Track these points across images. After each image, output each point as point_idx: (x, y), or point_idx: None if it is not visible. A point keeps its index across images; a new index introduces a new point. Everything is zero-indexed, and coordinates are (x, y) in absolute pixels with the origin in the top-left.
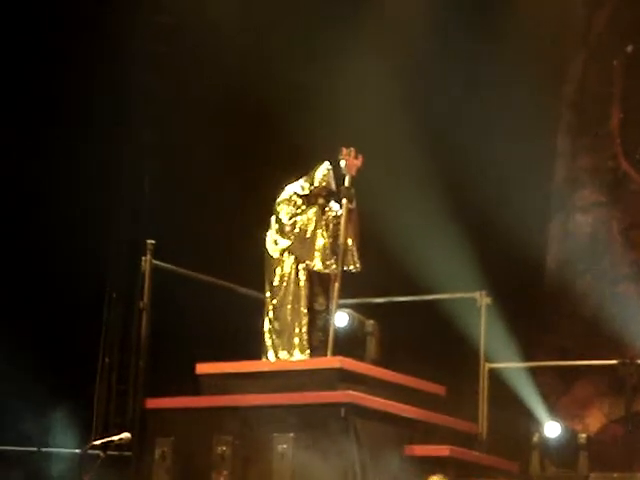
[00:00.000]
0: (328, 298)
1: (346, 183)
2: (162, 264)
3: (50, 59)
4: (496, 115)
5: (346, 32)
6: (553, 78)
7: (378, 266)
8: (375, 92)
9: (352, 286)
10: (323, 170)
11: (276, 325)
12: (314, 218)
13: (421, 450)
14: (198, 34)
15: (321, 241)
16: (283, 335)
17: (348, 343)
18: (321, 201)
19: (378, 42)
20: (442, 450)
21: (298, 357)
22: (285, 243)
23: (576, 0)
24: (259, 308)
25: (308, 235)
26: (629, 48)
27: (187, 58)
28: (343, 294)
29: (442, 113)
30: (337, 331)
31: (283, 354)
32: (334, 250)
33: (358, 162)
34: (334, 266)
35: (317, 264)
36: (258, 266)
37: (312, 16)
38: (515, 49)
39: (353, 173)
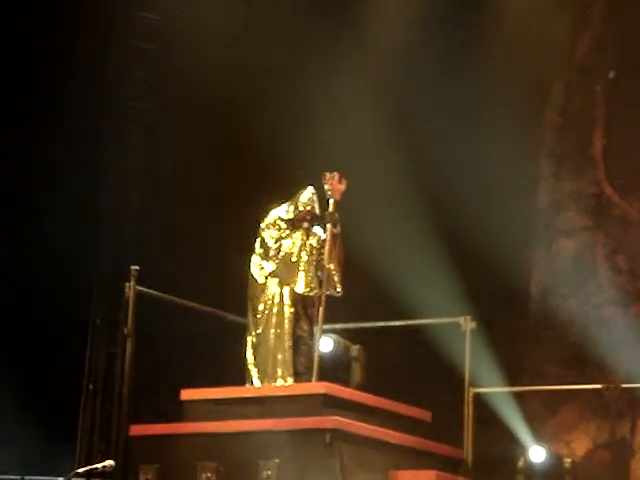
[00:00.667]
0: (311, 323)
1: (330, 208)
2: (146, 290)
3: (27, 75)
4: (480, 140)
5: (329, 51)
6: (537, 102)
7: (363, 291)
8: (361, 118)
9: (337, 311)
10: (307, 194)
11: (260, 350)
12: (299, 242)
13: (407, 476)
14: (179, 51)
15: (305, 265)
16: (267, 361)
17: (333, 368)
18: (305, 225)
19: (360, 64)
20: (428, 475)
21: (282, 383)
22: (270, 267)
23: (560, 26)
24: (243, 333)
25: (293, 259)
26: (611, 74)
27: (166, 80)
28: (328, 319)
29: (426, 139)
30: (322, 356)
31: (267, 380)
32: (317, 274)
33: (342, 187)
34: (316, 289)
35: (300, 287)
36: (241, 291)
37: (293, 33)
38: (499, 73)
39: (337, 197)
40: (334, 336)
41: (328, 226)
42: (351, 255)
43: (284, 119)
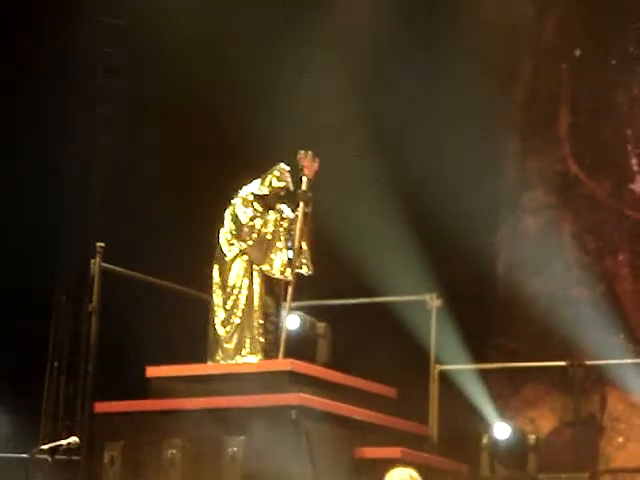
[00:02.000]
0: (278, 300)
1: (303, 186)
2: (111, 267)
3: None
4: (447, 117)
5: (303, 33)
6: (503, 80)
7: (329, 268)
8: (329, 99)
9: (303, 288)
10: (281, 171)
11: (227, 327)
12: (272, 223)
13: (372, 452)
14: (151, 35)
15: (279, 247)
16: (234, 337)
17: (299, 345)
18: (278, 205)
19: (333, 45)
20: (393, 452)
21: (249, 359)
22: (241, 245)
23: (526, 4)
24: (207, 310)
25: (266, 240)
26: (577, 52)
27: (141, 59)
28: (295, 296)
29: (393, 119)
30: (288, 334)
31: (233, 356)
32: (289, 256)
33: (315, 165)
34: (289, 273)
35: (274, 270)
36: (206, 268)
37: (271, 17)
38: (466, 51)
39: (310, 176)
40: (300, 313)
41: (300, 204)
42: (318, 233)
43: (253, 98)
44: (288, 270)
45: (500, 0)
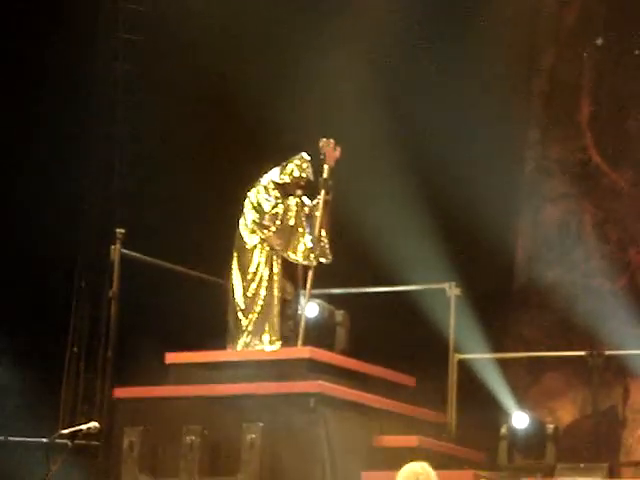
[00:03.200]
0: (296, 287)
1: (325, 174)
2: (131, 253)
3: (22, 49)
4: (467, 107)
5: (322, 23)
6: (524, 68)
7: (348, 257)
8: (350, 85)
9: (322, 276)
10: (302, 160)
11: (247, 314)
12: (295, 210)
13: (390, 440)
14: (172, 22)
15: (301, 232)
16: (253, 324)
17: (318, 333)
18: (299, 192)
19: (352, 35)
20: (411, 440)
21: (269, 346)
22: (264, 232)
23: None
24: (227, 296)
25: (289, 227)
26: (599, 41)
27: (159, 44)
28: (314, 284)
29: (413, 107)
30: (307, 321)
31: (253, 343)
32: (311, 243)
33: (337, 153)
34: (312, 258)
35: (298, 256)
36: (227, 255)
37: (288, 7)
38: (487, 40)
39: (332, 164)
40: (319, 301)
41: (321, 192)
42: (337, 221)
43: (274, 86)
44: (311, 256)
45: None
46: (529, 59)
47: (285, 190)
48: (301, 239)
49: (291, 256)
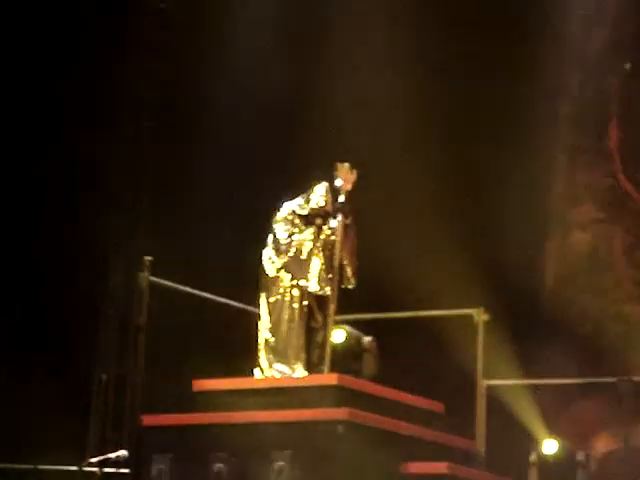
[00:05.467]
0: (325, 315)
1: (341, 198)
2: (159, 280)
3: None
4: (496, 132)
5: (351, 39)
6: (552, 94)
7: (375, 282)
8: (373, 108)
9: (349, 302)
10: (321, 190)
11: (272, 342)
12: (311, 239)
13: (419, 467)
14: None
15: (317, 262)
16: (280, 352)
17: (345, 360)
18: (318, 221)
19: (370, 61)
20: (440, 467)
21: (296, 374)
22: (281, 262)
23: (574, 16)
24: (256, 324)
25: (304, 256)
26: (627, 65)
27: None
28: (340, 310)
29: (441, 129)
30: (334, 348)
31: (280, 371)
32: (329, 270)
33: (353, 176)
34: (328, 288)
35: (312, 285)
36: (255, 282)
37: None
38: (514, 66)
39: (348, 188)
40: (346, 327)
41: (339, 217)
42: (364, 245)
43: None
44: (327, 285)
45: (548, 13)
46: (558, 84)
47: (306, 220)
48: (315, 269)
49: (306, 285)
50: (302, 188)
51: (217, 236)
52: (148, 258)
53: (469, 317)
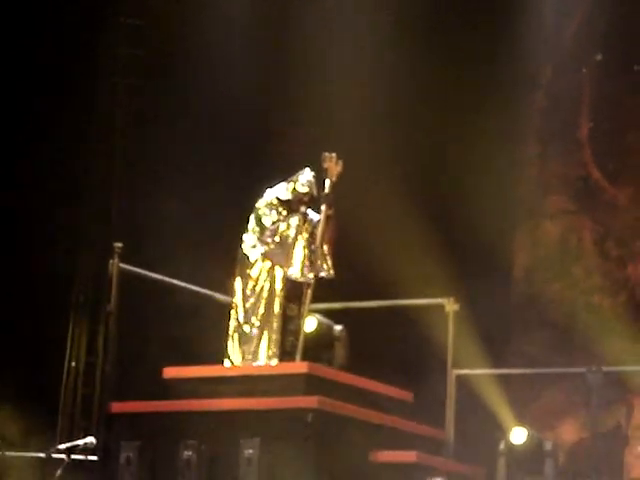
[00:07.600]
0: (300, 304)
1: (326, 189)
2: (130, 267)
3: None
4: (466, 122)
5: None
6: (523, 85)
7: (346, 271)
8: (356, 98)
9: (320, 291)
10: (306, 176)
11: (245, 328)
12: (295, 226)
13: (388, 456)
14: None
15: (300, 250)
16: (252, 340)
17: (316, 348)
18: (303, 209)
19: (355, 57)
20: (409, 456)
21: (267, 361)
22: (264, 248)
23: (547, 8)
24: (226, 311)
25: (288, 242)
26: (598, 56)
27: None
28: (312, 299)
29: (413, 122)
30: (305, 336)
31: (251, 359)
32: (311, 258)
33: (338, 168)
34: (311, 275)
35: (295, 272)
36: (225, 269)
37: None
38: (488, 55)
39: (334, 179)
40: (317, 316)
41: (323, 207)
42: (338, 235)
43: (275, 99)
44: (309, 272)
45: (520, 6)
46: (529, 74)
47: (289, 206)
48: (299, 255)
49: (289, 272)
50: (283, 176)
51: (188, 222)
52: (118, 245)
53: (440, 306)
